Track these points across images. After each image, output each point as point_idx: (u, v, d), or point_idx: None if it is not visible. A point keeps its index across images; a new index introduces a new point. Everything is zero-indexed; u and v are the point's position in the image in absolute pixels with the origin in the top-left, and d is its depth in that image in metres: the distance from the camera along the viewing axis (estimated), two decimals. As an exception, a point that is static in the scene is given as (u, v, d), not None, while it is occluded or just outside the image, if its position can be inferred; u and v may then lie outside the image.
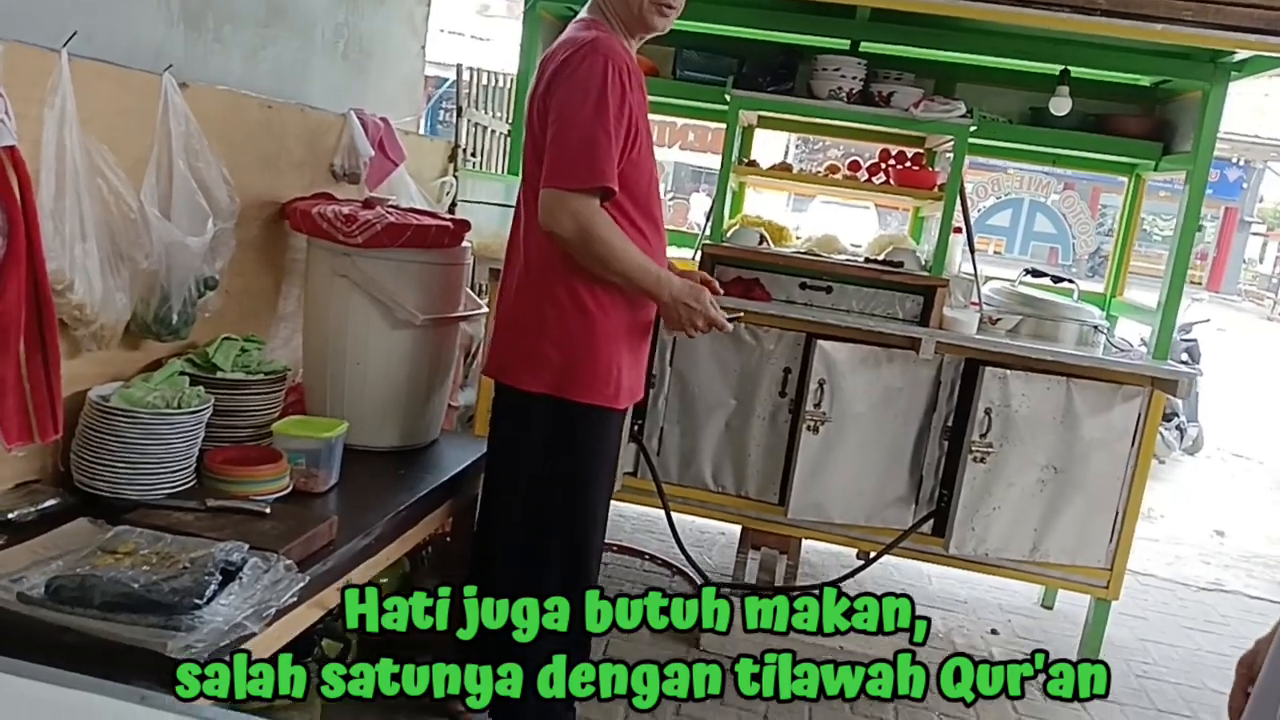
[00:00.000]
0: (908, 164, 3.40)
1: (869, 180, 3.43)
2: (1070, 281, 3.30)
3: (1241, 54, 2.83)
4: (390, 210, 2.07)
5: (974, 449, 2.88)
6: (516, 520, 2.02)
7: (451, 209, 2.77)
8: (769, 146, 6.25)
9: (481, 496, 2.14)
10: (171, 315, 1.74)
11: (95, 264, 1.55)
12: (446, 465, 2.14)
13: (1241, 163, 21.06)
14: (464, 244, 2.15)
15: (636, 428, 3.02)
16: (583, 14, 1.95)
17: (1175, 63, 3.00)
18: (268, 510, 1.63)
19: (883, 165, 3.41)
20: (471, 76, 3.68)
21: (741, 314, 2.18)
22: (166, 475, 1.64)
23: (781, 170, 3.41)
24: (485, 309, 2.34)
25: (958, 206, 2.99)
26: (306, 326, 2.17)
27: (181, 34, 1.98)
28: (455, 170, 2.80)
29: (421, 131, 3.38)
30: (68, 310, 1.53)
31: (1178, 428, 5.98)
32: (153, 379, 1.71)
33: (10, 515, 1.48)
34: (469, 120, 3.53)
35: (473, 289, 3.04)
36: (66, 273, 1.49)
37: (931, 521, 2.99)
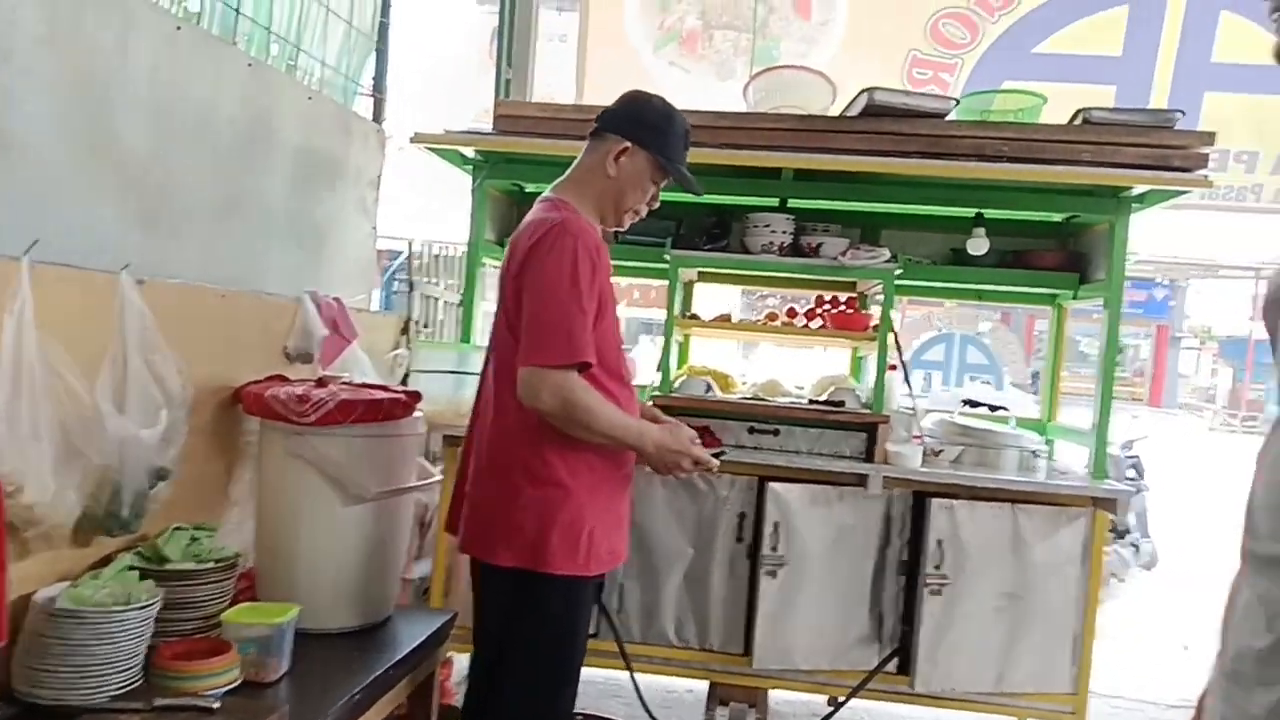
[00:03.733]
0: (841, 308, 3.55)
1: (806, 326, 3.58)
2: (1005, 409, 3.43)
3: (1139, 188, 3.06)
4: (343, 387, 2.12)
5: (929, 581, 2.91)
6: (495, 694, 2.01)
7: (405, 380, 2.83)
8: (720, 296, 6.48)
9: (469, 670, 2.13)
10: (123, 509, 1.74)
11: (48, 464, 1.57)
12: (402, 643, 2.11)
13: (1167, 282, 22.13)
14: (416, 414, 2.20)
15: (595, 587, 3.00)
16: (549, 194, 2.08)
17: (1082, 199, 3.23)
18: (216, 705, 1.60)
19: (818, 311, 3.57)
20: (423, 250, 3.82)
21: (725, 449, 2.22)
22: (113, 676, 1.61)
23: (722, 321, 3.55)
24: (438, 477, 2.36)
25: (892, 345, 3.14)
26: (259, 510, 2.17)
27: (139, 234, 2.07)
28: (408, 342, 2.88)
29: (376, 303, 3.49)
30: (18, 512, 1.54)
31: (1132, 544, 6.06)
32: (101, 575, 1.69)
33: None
34: (419, 293, 3.65)
35: (427, 457, 3.08)
36: (18, 475, 1.51)
37: (896, 660, 2.98)
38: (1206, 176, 2.96)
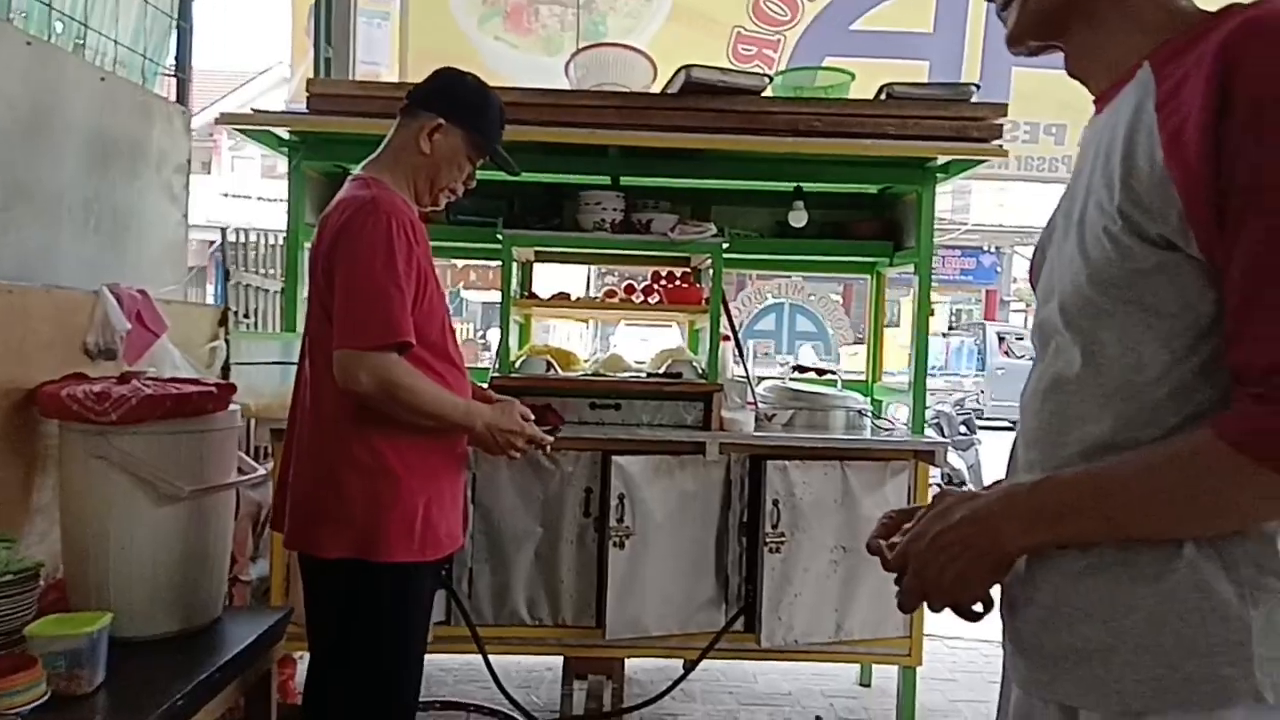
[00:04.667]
0: (677, 283, 3.64)
1: (644, 301, 3.64)
2: (832, 373, 3.60)
3: (942, 159, 3.26)
4: (147, 382, 2.01)
5: (768, 540, 3.03)
6: (335, 689, 1.97)
7: (225, 373, 2.71)
8: (569, 277, 6.49)
9: (307, 671, 2.07)
10: (-105, 525, 1.60)
11: None
12: (229, 644, 2.03)
13: (994, 249, 23.65)
14: (232, 407, 2.12)
15: (444, 573, 2.98)
16: (359, 171, 2.02)
17: (890, 171, 3.41)
18: (18, 723, 1.50)
19: (655, 286, 3.64)
20: (238, 238, 3.65)
21: (561, 424, 2.23)
22: (-105, 703, 1.49)
23: (560, 300, 3.57)
24: (263, 472, 2.28)
25: (724, 317, 3.23)
26: (64, 517, 2.04)
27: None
28: (226, 334, 2.76)
29: (211, 295, 3.31)
30: None
31: (965, 494, 6.48)
32: (-125, 598, 1.56)
33: None
34: (237, 282, 3.49)
35: (254, 453, 2.97)
36: None
37: (743, 618, 3.10)
38: (1001, 145, 3.18)
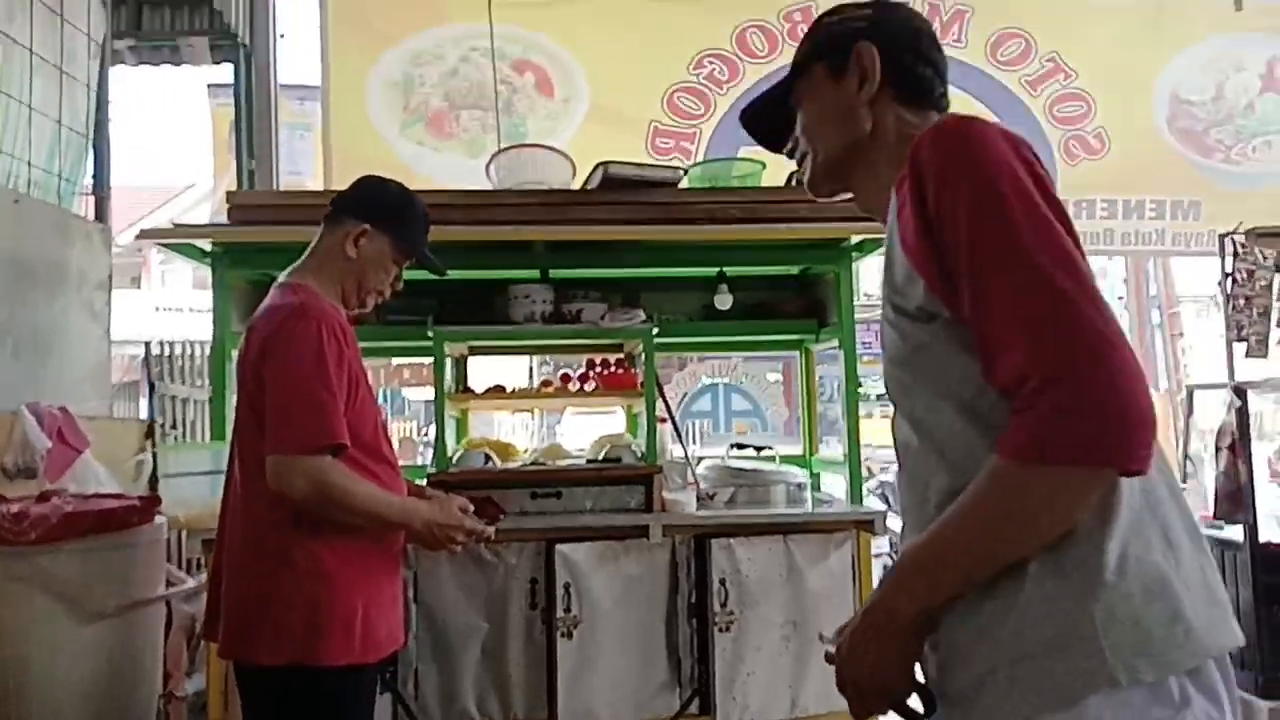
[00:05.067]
0: (611, 369, 3.69)
1: (580, 389, 3.68)
2: (769, 448, 3.65)
3: (855, 238, 3.39)
4: (68, 500, 1.98)
5: (717, 620, 3.01)
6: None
7: (153, 486, 2.66)
8: (507, 369, 6.50)
9: None
10: None
11: None
12: (162, 765, 1.95)
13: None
14: (158, 520, 2.08)
15: (389, 675, 2.89)
16: (284, 278, 2.04)
17: (807, 253, 3.53)
18: None
19: (590, 373, 3.68)
20: (163, 350, 3.62)
21: (501, 515, 2.22)
22: None
23: (496, 392, 3.58)
24: (193, 584, 2.23)
25: (659, 400, 3.28)
26: (-20, 644, 1.96)
27: None
28: (153, 446, 2.71)
29: (144, 408, 3.26)
30: None
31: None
32: None
33: None
34: (164, 394, 3.45)
35: (185, 565, 2.89)
36: None
37: (698, 700, 3.05)
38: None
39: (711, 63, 5.15)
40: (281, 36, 4.96)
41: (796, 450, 3.97)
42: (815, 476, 3.74)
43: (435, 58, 4.90)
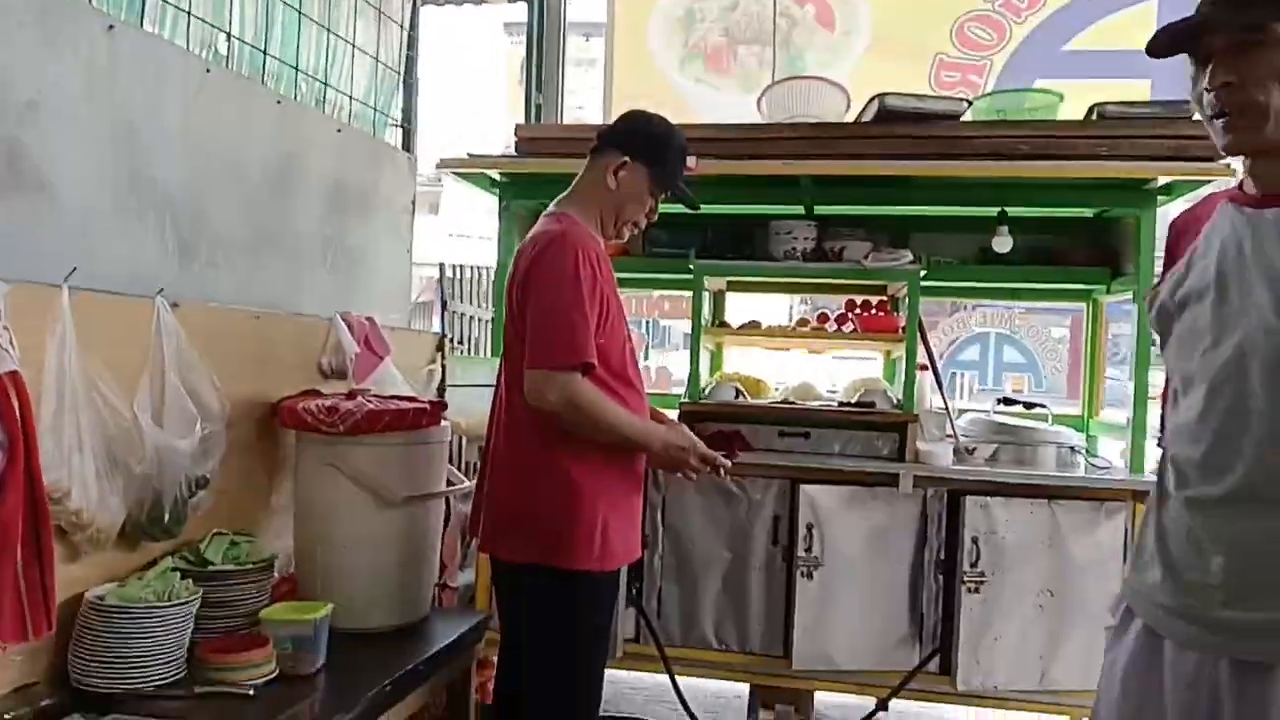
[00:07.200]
0: (872, 311, 3.58)
1: (838, 330, 3.60)
2: (1043, 406, 3.39)
3: (1163, 179, 3.03)
4: (370, 399, 2.24)
5: (966, 579, 2.89)
6: (521, 692, 2.08)
7: (440, 394, 2.95)
8: (768, 306, 6.49)
9: (498, 667, 2.21)
10: (164, 514, 1.87)
11: (91, 472, 1.69)
12: (434, 641, 2.20)
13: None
14: (443, 423, 2.30)
15: (635, 591, 3.06)
16: (552, 208, 2.18)
17: (1105, 194, 3.21)
18: (251, 693, 1.70)
19: (849, 315, 3.59)
20: (454, 273, 3.97)
21: (738, 450, 2.27)
22: (158, 666, 1.72)
23: (751, 328, 3.59)
24: (470, 485, 2.46)
25: (921, 345, 3.14)
26: (297, 516, 2.29)
27: (176, 263, 2.22)
28: (443, 358, 3.00)
29: (436, 323, 3.62)
30: (65, 517, 1.67)
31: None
32: (146, 576, 1.82)
33: (6, 717, 1.56)
34: (452, 311, 3.79)
35: (464, 468, 3.18)
36: (64, 482, 1.64)
37: (938, 658, 2.96)
38: (1229, 164, 2.92)
39: (1012, -12, 4.72)
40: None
41: (1074, 411, 3.67)
42: (1091, 439, 3.44)
43: (717, -9, 4.89)
